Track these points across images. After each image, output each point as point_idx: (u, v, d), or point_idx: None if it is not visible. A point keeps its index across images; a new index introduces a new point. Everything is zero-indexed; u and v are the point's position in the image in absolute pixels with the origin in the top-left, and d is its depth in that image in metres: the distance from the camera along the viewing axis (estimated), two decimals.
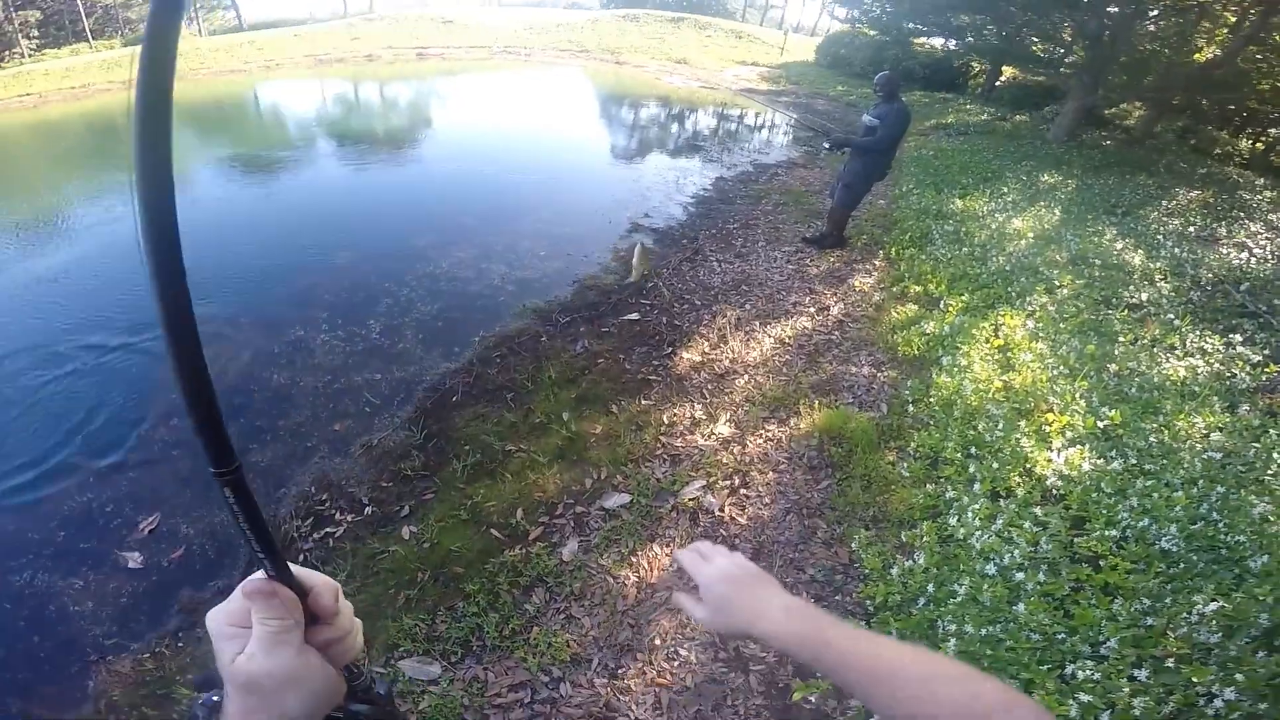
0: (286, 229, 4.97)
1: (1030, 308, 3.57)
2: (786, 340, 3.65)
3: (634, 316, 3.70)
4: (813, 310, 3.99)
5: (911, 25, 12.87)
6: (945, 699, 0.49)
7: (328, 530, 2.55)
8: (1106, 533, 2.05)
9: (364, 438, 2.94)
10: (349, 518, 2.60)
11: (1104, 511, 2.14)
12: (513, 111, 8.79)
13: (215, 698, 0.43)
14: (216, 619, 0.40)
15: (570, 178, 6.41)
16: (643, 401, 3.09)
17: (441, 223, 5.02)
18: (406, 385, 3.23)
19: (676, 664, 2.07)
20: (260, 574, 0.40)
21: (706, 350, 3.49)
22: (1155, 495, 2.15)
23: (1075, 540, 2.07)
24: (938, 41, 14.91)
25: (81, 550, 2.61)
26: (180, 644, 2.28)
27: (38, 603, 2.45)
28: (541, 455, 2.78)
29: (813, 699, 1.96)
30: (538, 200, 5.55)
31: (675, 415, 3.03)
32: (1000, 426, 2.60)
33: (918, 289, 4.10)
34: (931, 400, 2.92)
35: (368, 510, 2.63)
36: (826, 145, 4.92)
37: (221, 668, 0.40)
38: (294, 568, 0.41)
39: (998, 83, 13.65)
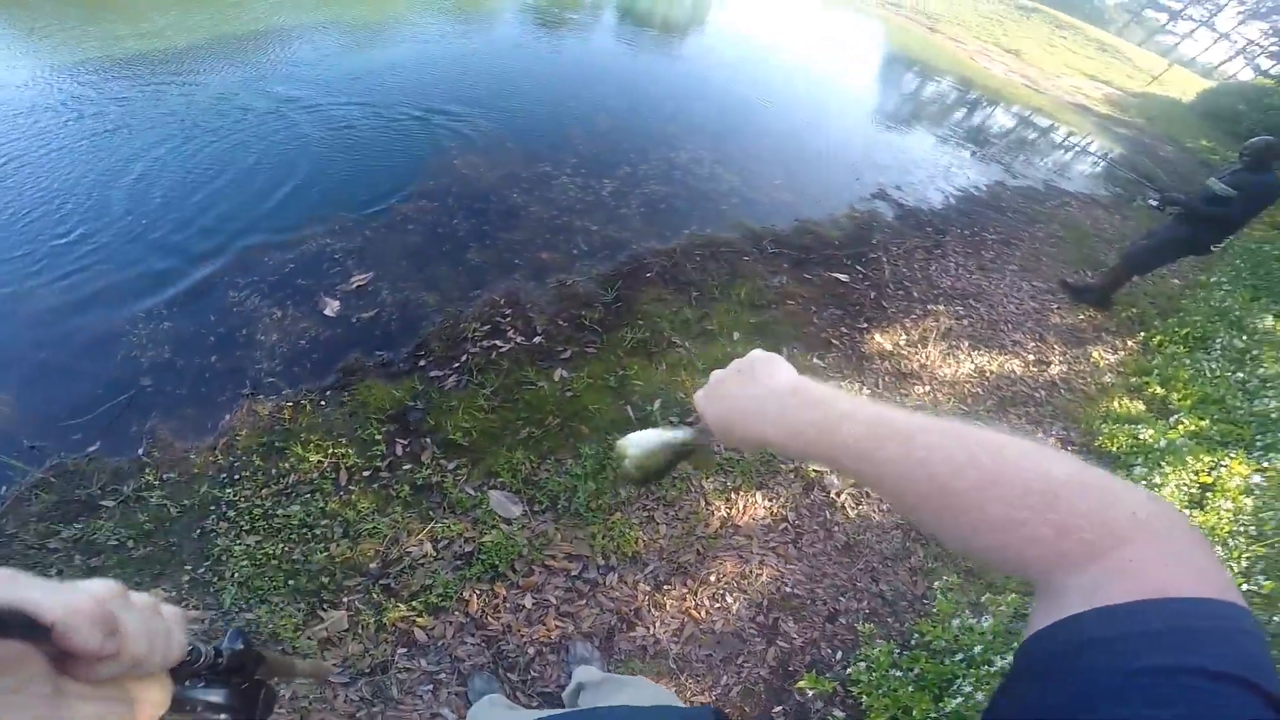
0: (564, 82, 5.31)
1: (1267, 466, 2.98)
2: (987, 374, 3.27)
3: (842, 277, 3.52)
4: (1031, 359, 3.51)
5: None
6: (997, 516, 0.35)
7: (496, 343, 2.83)
8: None
9: (561, 275, 3.21)
10: (518, 339, 2.86)
11: None
12: (794, 44, 8.31)
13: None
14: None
15: (834, 124, 6.02)
16: (814, 360, 2.99)
17: (695, 121, 5.06)
18: (613, 246, 3.43)
19: (717, 606, 2.13)
20: None
21: (901, 344, 3.24)
22: None
23: None
24: None
25: (297, 285, 2.97)
26: (322, 404, 2.54)
27: (237, 322, 2.80)
28: (700, 361, 2.84)
29: (810, 694, 1.94)
30: (792, 134, 5.34)
31: (840, 387, 2.90)
32: None
33: (1159, 391, 3.49)
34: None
35: (537, 339, 2.88)
36: (1154, 200, 4.01)
37: None
38: (18, 587, 0.29)
39: None
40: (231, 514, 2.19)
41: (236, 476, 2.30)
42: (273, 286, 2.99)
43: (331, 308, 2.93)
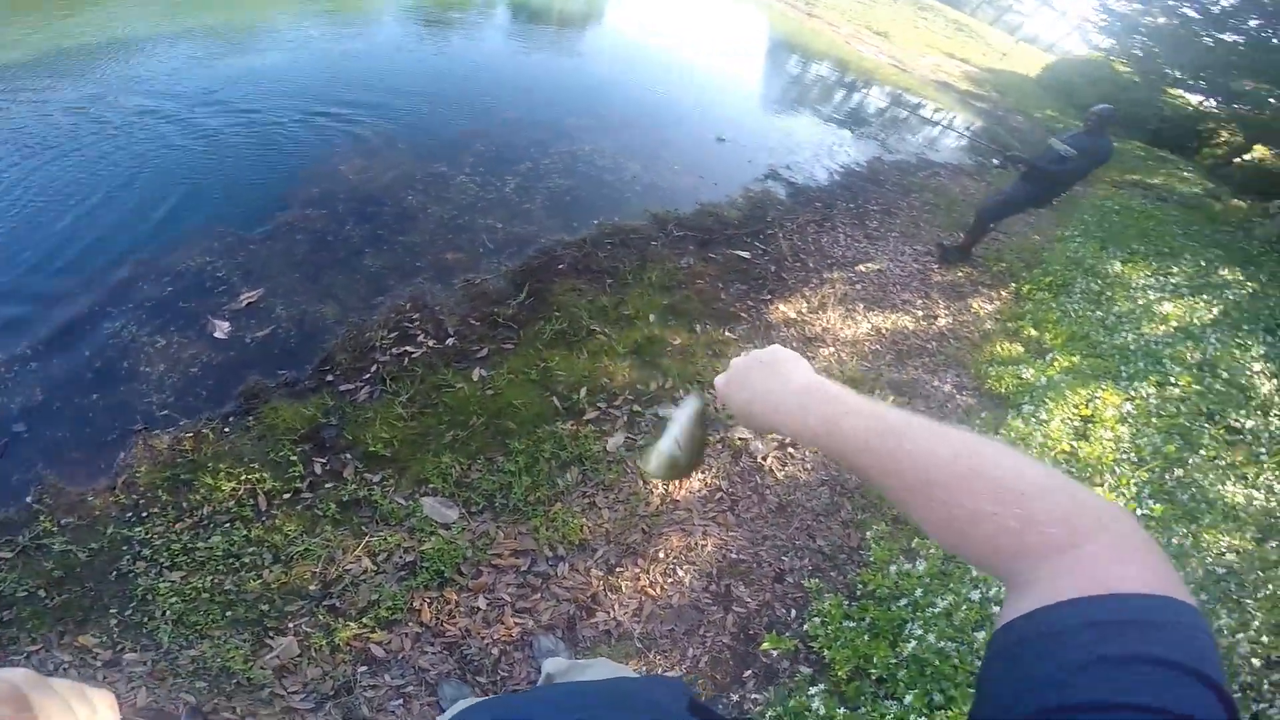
0: (454, 80, 5.18)
1: (1134, 393, 3.48)
2: (883, 332, 3.56)
3: (744, 254, 3.70)
4: (920, 314, 3.86)
5: (1176, 74, 11.34)
6: (976, 511, 0.39)
7: (407, 349, 2.75)
8: None
9: (469, 274, 3.16)
10: (430, 343, 2.80)
11: None
12: (676, 33, 8.54)
13: None
14: None
15: (721, 110, 6.26)
16: (726, 333, 3.14)
17: (593, 112, 5.10)
18: (521, 242, 3.41)
19: (670, 581, 2.20)
20: None
21: (804, 311, 3.47)
22: None
23: None
24: (1195, 98, 13.02)
25: (179, 309, 2.76)
26: (226, 430, 2.39)
27: (115, 354, 2.58)
28: (620, 346, 2.91)
29: (775, 654, 2.05)
30: (684, 121, 5.51)
31: (750, 350, 3.07)
32: None
33: (1033, 333, 3.95)
34: (996, 438, 2.95)
35: (449, 341, 2.82)
36: (998, 160, 4.41)
37: None
38: None
39: (1237, 159, 11.86)
40: (147, 552, 2.04)
41: (144, 514, 2.14)
42: (151, 313, 2.74)
43: (221, 329, 2.73)
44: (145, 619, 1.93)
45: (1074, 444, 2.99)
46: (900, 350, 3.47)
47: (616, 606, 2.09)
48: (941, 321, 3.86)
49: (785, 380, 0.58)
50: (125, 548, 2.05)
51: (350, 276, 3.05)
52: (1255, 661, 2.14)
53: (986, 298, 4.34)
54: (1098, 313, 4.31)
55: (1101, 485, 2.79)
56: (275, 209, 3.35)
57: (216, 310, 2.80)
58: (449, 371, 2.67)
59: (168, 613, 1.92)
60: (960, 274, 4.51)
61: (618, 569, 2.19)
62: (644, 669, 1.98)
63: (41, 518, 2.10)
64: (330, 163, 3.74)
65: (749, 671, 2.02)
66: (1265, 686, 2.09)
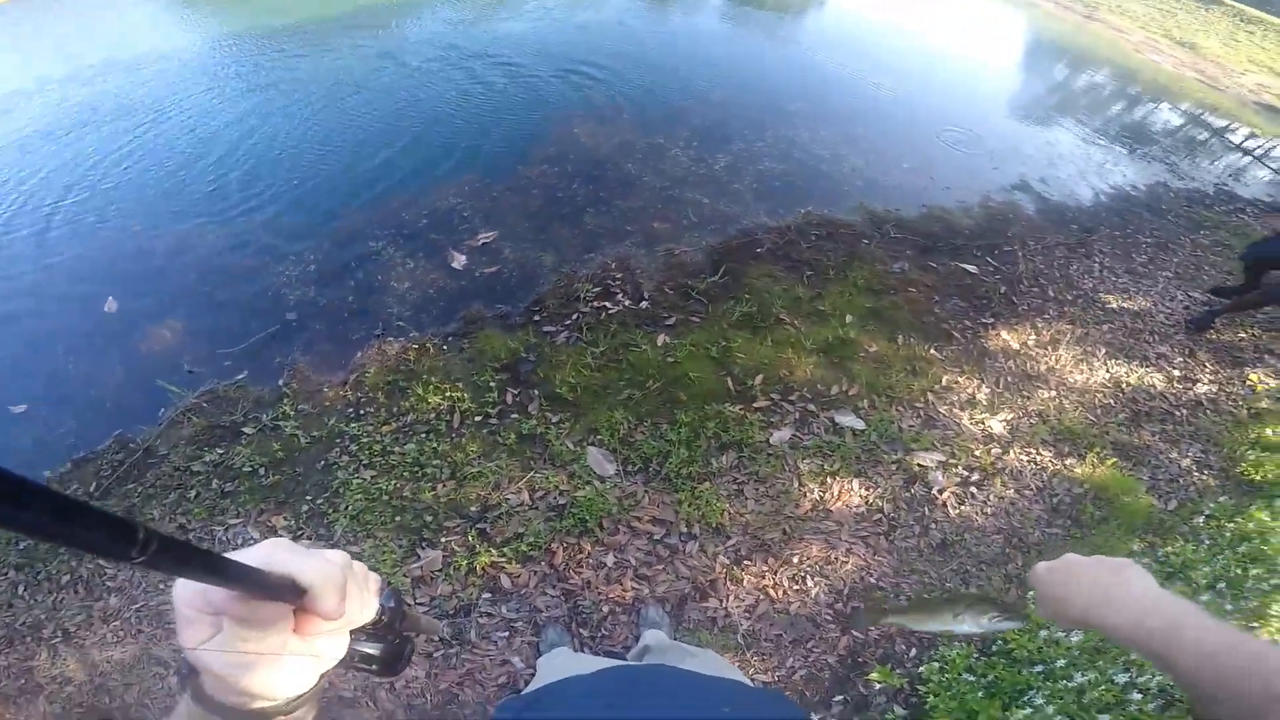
0: (677, 56, 5.28)
1: None
2: (1123, 386, 2.96)
3: (970, 268, 3.28)
4: (1175, 375, 3.13)
5: None
6: None
7: (606, 305, 2.91)
8: None
9: (671, 244, 3.23)
10: (626, 303, 2.93)
11: None
12: (928, 29, 7.72)
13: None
14: (184, 597, 0.34)
15: (972, 111, 5.58)
16: (932, 351, 2.83)
17: (817, 98, 4.87)
18: (724, 220, 3.41)
19: (795, 588, 2.09)
20: (222, 586, 0.32)
21: (1029, 343, 2.99)
22: None
23: None
24: None
25: (428, 240, 3.22)
26: (444, 348, 2.71)
27: (374, 268, 3.05)
28: (808, 341, 2.77)
29: (876, 687, 1.89)
30: (921, 119, 5.00)
31: (956, 383, 2.73)
32: (1271, 583, 2.22)
33: None
34: (1227, 526, 2.43)
35: (643, 304, 2.93)
36: None
37: (186, 649, 0.35)
38: (283, 557, 0.35)
39: None
40: (354, 448, 2.39)
41: (362, 412, 2.51)
42: (408, 239, 3.24)
43: (458, 261, 3.13)
44: (330, 510, 2.24)
45: None
46: (1139, 411, 2.87)
47: (731, 598, 2.05)
48: (1202, 388, 3.11)
49: (1131, 581, 0.61)
50: (338, 441, 2.43)
51: (570, 231, 3.30)
52: None
53: (1271, 370, 3.38)
54: None
55: None
56: (518, 163, 3.75)
57: (457, 244, 3.22)
58: (638, 333, 2.77)
59: (350, 507, 2.22)
60: (1243, 336, 3.56)
61: (745, 561, 2.14)
62: (737, 664, 1.92)
63: (285, 401, 2.57)
64: (567, 125, 4.07)
65: (841, 696, 1.90)
66: None
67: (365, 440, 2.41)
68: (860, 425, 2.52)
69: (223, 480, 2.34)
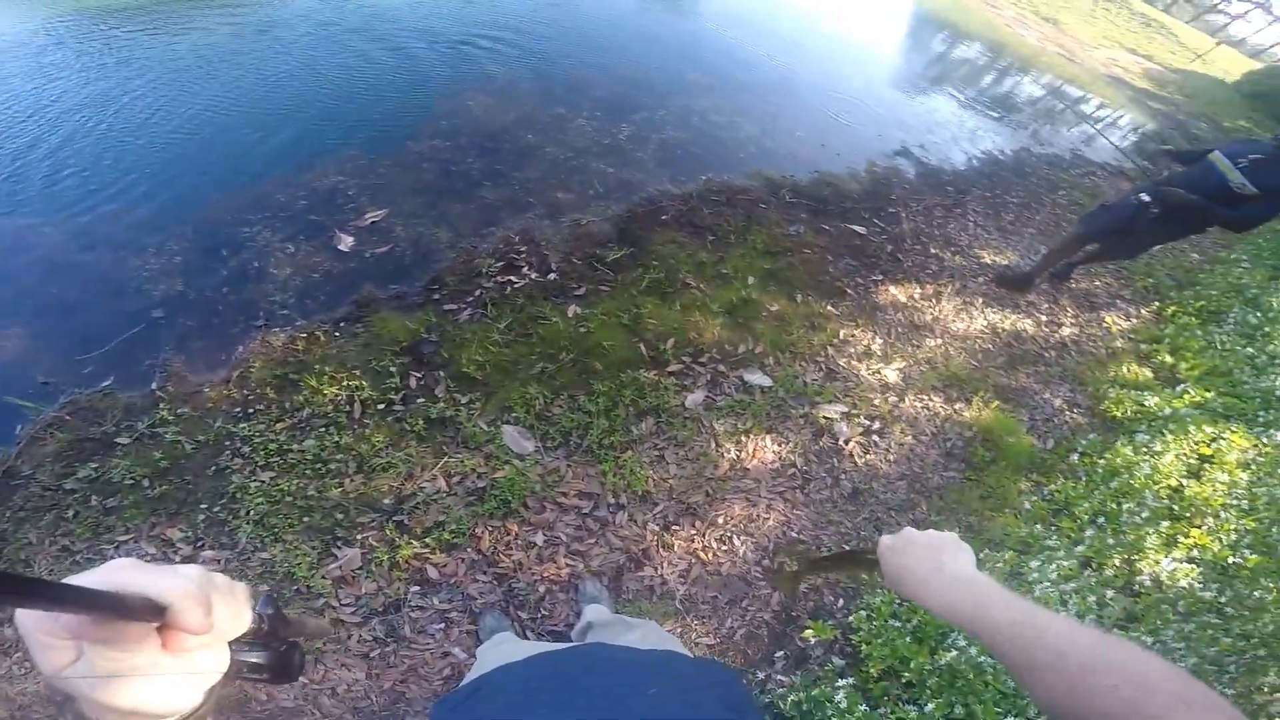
0: (578, 26, 5.16)
1: (1266, 442, 3.06)
2: (999, 332, 3.26)
3: (859, 229, 3.48)
4: (1043, 320, 3.49)
5: None
6: (1108, 696, 0.46)
7: (511, 279, 2.82)
8: (1142, 636, 2.11)
9: (577, 214, 3.18)
10: (533, 275, 2.86)
11: (1157, 621, 2.17)
12: (816, 5, 8.02)
13: None
14: (30, 624, 0.32)
15: (856, 81, 5.87)
16: (828, 306, 2.98)
17: (715, 69, 4.93)
18: (629, 188, 3.40)
19: (724, 549, 2.16)
20: (74, 610, 0.31)
21: (916, 296, 3.22)
22: (1207, 631, 2.16)
23: (1115, 630, 2.09)
24: None
25: (310, 221, 2.95)
26: (336, 335, 2.53)
27: (249, 256, 2.78)
28: (714, 304, 2.84)
29: (811, 640, 1.99)
30: (811, 85, 5.21)
31: (852, 336, 2.90)
32: (1143, 515, 2.53)
33: (1168, 360, 3.51)
34: (1099, 462, 2.73)
35: (551, 276, 2.87)
36: (1145, 197, 2.97)
37: (48, 677, 0.33)
38: (139, 578, 0.34)
39: None
40: (246, 450, 2.21)
41: (251, 411, 2.31)
42: (285, 222, 2.98)
43: (345, 242, 2.92)
44: (230, 517, 2.07)
45: (1183, 481, 2.73)
46: (1014, 355, 3.17)
47: (666, 565, 2.08)
48: (1066, 331, 3.49)
49: (944, 564, 0.66)
50: (228, 443, 2.22)
51: (467, 206, 3.16)
52: None
53: (1123, 314, 3.86)
54: (1248, 349, 3.76)
55: (1200, 527, 2.53)
56: (407, 138, 3.53)
57: (343, 225, 2.99)
58: (546, 305, 2.71)
59: (251, 513, 2.05)
60: (1098, 283, 4.02)
61: (674, 527, 2.17)
62: (679, 631, 1.96)
63: (161, 405, 2.31)
64: (460, 98, 3.87)
65: (782, 652, 1.98)
66: None
67: (258, 440, 2.22)
68: (768, 382, 2.62)
69: (103, 496, 2.09)
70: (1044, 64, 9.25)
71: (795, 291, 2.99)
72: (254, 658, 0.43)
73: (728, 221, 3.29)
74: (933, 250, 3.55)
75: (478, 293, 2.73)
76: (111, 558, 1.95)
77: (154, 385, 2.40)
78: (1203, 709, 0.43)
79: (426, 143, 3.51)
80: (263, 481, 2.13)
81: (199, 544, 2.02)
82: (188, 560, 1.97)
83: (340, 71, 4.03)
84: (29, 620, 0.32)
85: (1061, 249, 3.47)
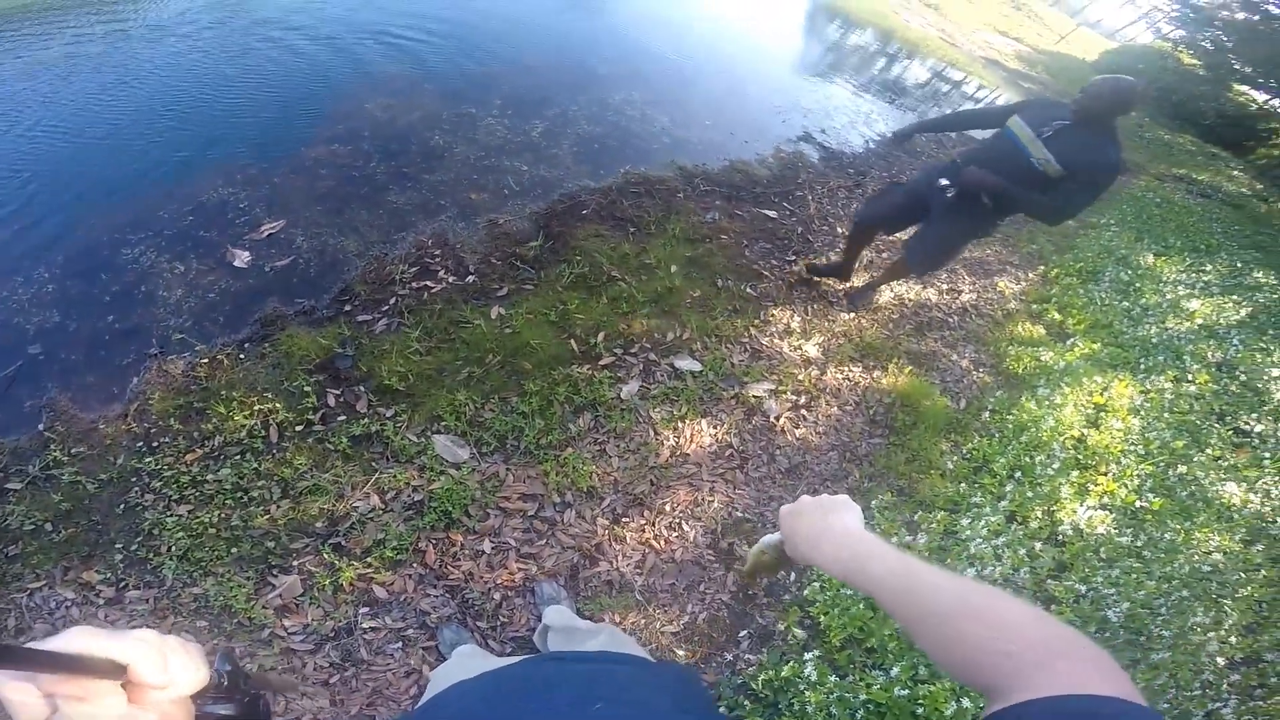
0: (483, 22, 5.02)
1: (1149, 387, 3.50)
2: (906, 302, 3.49)
3: (770, 213, 3.62)
4: (944, 288, 3.78)
5: (1246, 70, 10.73)
6: (972, 638, 0.48)
7: (427, 284, 2.73)
8: (1075, 585, 2.27)
9: (492, 214, 3.12)
10: (450, 279, 2.77)
11: (1085, 569, 2.35)
12: None
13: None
14: (2, 683, 0.34)
15: (756, 69, 6.07)
16: (748, 289, 3.08)
17: (624, 62, 4.96)
18: (546, 185, 3.36)
19: (675, 535, 2.19)
20: (41, 669, 0.34)
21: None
22: (1132, 576, 2.35)
23: (1049, 581, 2.29)
24: (1262, 96, 12.31)
25: (199, 237, 2.74)
26: (241, 357, 2.38)
27: (133, 279, 2.57)
28: (640, 294, 2.87)
29: (772, 616, 2.07)
30: (718, 75, 5.34)
31: (772, 316, 3.02)
32: (1054, 467, 2.72)
33: (1056, 317, 3.91)
34: (1008, 418, 2.96)
35: (470, 279, 2.80)
36: (945, 182, 2.52)
37: None
38: (94, 642, 0.37)
39: None
40: (157, 484, 2.04)
41: (155, 444, 2.14)
42: (171, 240, 2.74)
43: (241, 258, 2.73)
44: (150, 554, 1.93)
45: (1084, 431, 3.00)
46: (921, 322, 3.41)
47: (620, 557, 2.09)
48: (965, 297, 3.79)
49: (832, 524, 0.68)
50: (134, 479, 2.06)
51: (374, 212, 3.02)
52: (1220, 660, 2.17)
53: (1014, 278, 4.24)
54: (1124, 303, 4.28)
55: (1106, 474, 2.79)
56: (299, 144, 3.32)
57: (237, 240, 2.79)
58: (468, 308, 2.65)
59: (173, 548, 1.92)
60: (989, 251, 4.39)
61: (624, 519, 2.18)
62: (643, 624, 1.98)
63: (52, 446, 2.10)
64: (357, 99, 3.69)
65: (745, 632, 2.02)
66: (1224, 686, 2.11)
67: (168, 474, 2.05)
68: (697, 367, 2.69)
69: (2, 544, 1.89)
70: (929, 49, 9.90)
71: (716, 277, 3.08)
72: (222, 710, 0.46)
73: (647, 212, 3.33)
74: (839, 230, 3.75)
75: (393, 301, 2.63)
76: (27, 606, 1.82)
77: (41, 426, 2.17)
78: (1079, 658, 0.44)
79: (324, 148, 3.32)
80: (180, 515, 1.98)
81: (121, 585, 1.87)
82: (111, 602, 1.85)
83: (224, 77, 3.73)
84: (3, 679, 0.35)
85: (854, 240, 3.06)
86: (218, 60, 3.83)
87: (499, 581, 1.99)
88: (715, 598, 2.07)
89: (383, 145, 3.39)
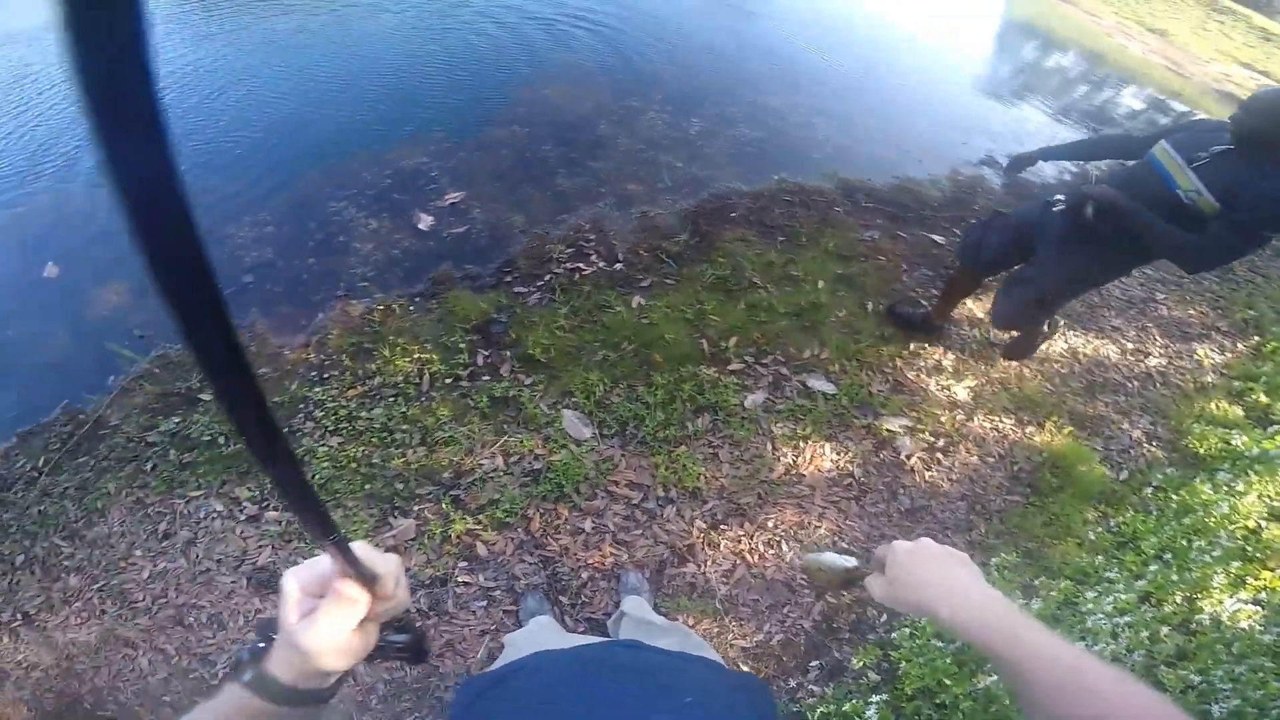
0: (652, 17, 5.14)
1: None
2: (1079, 356, 3.07)
3: (938, 239, 3.34)
4: (1129, 347, 3.27)
5: None
6: None
7: (580, 266, 2.87)
8: (1190, 675, 2.00)
9: (645, 207, 3.20)
10: (600, 264, 2.89)
11: (1208, 660, 2.05)
12: (901, 7, 7.72)
13: (261, 645, 0.49)
14: (291, 583, 0.46)
15: (938, 83, 5.63)
16: None
17: (789, 67, 4.83)
18: (698, 184, 3.38)
19: (771, 553, 2.12)
20: (340, 563, 0.44)
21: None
22: (1258, 674, 2.01)
23: (1163, 666, 2.02)
24: None
25: (393, 200, 3.10)
26: (411, 309, 2.63)
27: (335, 229, 2.95)
28: (780, 305, 2.79)
29: (849, 652, 1.95)
30: (894, 88, 5.02)
31: (922, 349, 2.80)
32: (1214, 554, 2.37)
33: (1263, 400, 3.20)
34: (1173, 497, 2.57)
35: (617, 266, 2.90)
36: (1058, 198, 2.16)
37: (282, 622, 0.46)
38: (365, 552, 0.46)
39: None
40: (319, 414, 2.32)
41: (325, 376, 2.43)
42: (370, 200, 3.12)
43: (425, 222, 3.04)
44: None
45: (1262, 523, 2.52)
46: (1093, 381, 2.99)
47: (709, 563, 2.07)
48: (1152, 361, 3.26)
49: (962, 577, 0.63)
50: (301, 406, 2.35)
51: (541, 192, 3.23)
52: None
53: (1217, 346, 3.57)
54: None
55: (1274, 570, 2.33)
56: (486, 122, 3.63)
57: (424, 204, 3.12)
58: (612, 294, 2.74)
59: (317, 476, 2.15)
60: (1192, 312, 3.73)
61: (722, 526, 2.15)
62: (715, 631, 1.95)
63: None
64: (537, 84, 3.95)
65: (817, 662, 1.94)
66: None
67: (330, 405, 2.34)
68: (831, 389, 2.57)
69: (181, 451, 2.23)
70: (1147, 77, 8.67)
71: (866, 299, 2.91)
72: (399, 639, 0.54)
73: (799, 223, 3.23)
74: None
75: (547, 278, 2.79)
76: (181, 512, 2.10)
77: None
78: None
79: (506, 128, 3.60)
80: (330, 446, 2.23)
81: (263, 504, 2.13)
82: (251, 519, 2.11)
83: (428, 54, 4.18)
84: (304, 575, 0.46)
85: (953, 290, 2.65)
86: (424, 39, 4.30)
87: (590, 562, 2.05)
88: (797, 623, 2.00)
89: (556, 131, 3.61)
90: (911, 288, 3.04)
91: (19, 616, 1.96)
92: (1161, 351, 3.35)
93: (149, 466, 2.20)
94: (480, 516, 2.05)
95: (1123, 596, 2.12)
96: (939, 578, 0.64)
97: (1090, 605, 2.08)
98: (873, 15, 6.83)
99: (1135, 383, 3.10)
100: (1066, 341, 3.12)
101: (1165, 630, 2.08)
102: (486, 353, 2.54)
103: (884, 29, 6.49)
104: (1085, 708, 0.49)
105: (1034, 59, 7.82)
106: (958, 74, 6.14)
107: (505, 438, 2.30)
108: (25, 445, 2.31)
